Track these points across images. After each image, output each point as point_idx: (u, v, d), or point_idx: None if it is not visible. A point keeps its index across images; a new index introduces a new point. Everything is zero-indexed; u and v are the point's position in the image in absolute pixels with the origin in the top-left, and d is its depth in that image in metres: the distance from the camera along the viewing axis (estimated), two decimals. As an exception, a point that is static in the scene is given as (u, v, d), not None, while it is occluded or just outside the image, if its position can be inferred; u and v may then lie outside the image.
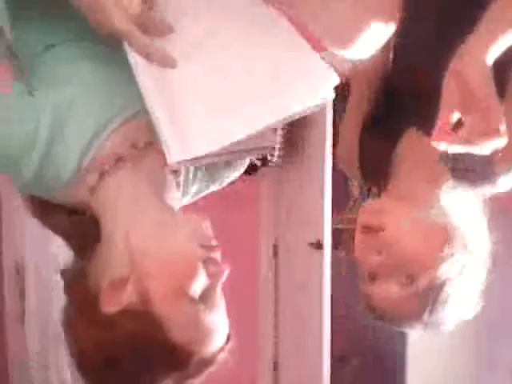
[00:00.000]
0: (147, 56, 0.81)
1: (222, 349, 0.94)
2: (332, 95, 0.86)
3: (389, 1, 0.89)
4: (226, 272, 0.87)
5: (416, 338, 2.56)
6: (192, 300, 0.85)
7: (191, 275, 0.84)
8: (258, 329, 2.95)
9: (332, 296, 2.59)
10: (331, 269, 2.58)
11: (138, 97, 0.85)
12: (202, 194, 1.08)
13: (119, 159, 0.88)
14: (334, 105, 2.54)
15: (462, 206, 1.04)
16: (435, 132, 0.89)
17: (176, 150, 0.80)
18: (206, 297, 0.86)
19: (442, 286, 1.01)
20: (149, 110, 0.82)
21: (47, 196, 0.94)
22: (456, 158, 1.01)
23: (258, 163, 2.80)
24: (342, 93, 1.23)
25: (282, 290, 2.95)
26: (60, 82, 0.89)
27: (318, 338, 2.62)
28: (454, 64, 0.88)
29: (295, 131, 2.71)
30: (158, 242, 0.85)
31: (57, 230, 0.96)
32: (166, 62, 0.82)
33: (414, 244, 1.01)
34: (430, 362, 2.63)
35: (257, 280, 2.96)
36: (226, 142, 0.80)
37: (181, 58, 0.83)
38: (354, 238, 1.07)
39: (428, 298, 1.00)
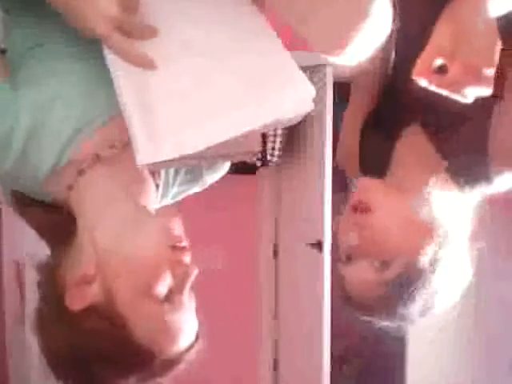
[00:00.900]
0: (125, 58, 0.82)
1: (189, 349, 0.91)
2: (309, 107, 0.85)
3: (376, 5, 0.88)
4: (195, 273, 0.87)
5: (416, 338, 2.56)
6: (157, 300, 0.84)
7: (156, 276, 0.84)
8: (257, 329, 2.95)
9: (332, 296, 2.59)
10: (331, 269, 2.58)
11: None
12: (183, 196, 1.08)
13: (97, 158, 0.89)
14: (334, 105, 2.55)
15: (452, 206, 1.04)
16: (416, 67, 0.86)
17: (144, 152, 0.79)
18: (172, 297, 0.86)
19: (417, 279, 1.00)
20: (122, 109, 0.82)
21: (26, 191, 0.94)
22: (452, 155, 1.02)
23: (258, 163, 2.80)
24: (343, 92, 1.23)
25: (282, 290, 2.95)
26: (42, 80, 0.89)
27: (318, 338, 2.62)
28: (450, 7, 0.85)
29: (295, 131, 2.72)
30: (125, 242, 0.86)
31: (33, 224, 0.97)
32: (145, 64, 0.83)
33: (397, 232, 1.00)
34: (430, 363, 2.63)
35: (257, 280, 2.97)
36: (196, 148, 0.80)
37: (161, 60, 0.83)
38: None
39: (401, 291, 1.00)
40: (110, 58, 0.83)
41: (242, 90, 0.84)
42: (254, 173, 2.82)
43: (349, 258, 1.03)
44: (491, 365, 2.63)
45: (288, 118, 0.85)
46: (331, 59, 0.89)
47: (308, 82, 0.85)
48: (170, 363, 0.89)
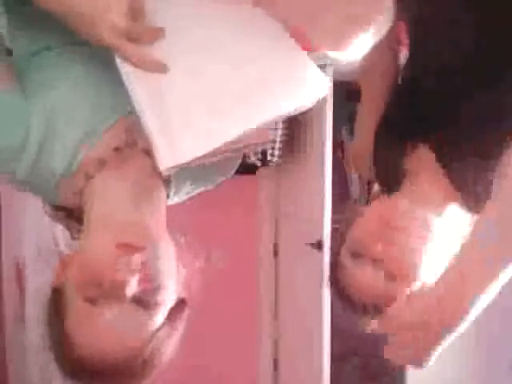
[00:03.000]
0: (136, 65, 0.83)
1: (133, 356, 0.87)
2: (324, 93, 0.86)
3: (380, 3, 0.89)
4: (131, 285, 0.84)
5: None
6: (87, 300, 0.84)
7: (91, 277, 0.83)
8: (257, 329, 2.95)
9: (332, 296, 2.59)
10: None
11: (127, 99, 0.86)
12: (191, 195, 1.08)
13: (103, 162, 0.89)
14: (335, 105, 2.55)
15: (453, 228, 1.05)
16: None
17: (165, 157, 0.81)
18: (102, 302, 0.85)
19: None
20: (139, 117, 0.83)
21: (42, 197, 0.95)
22: (465, 190, 1.02)
23: (258, 163, 2.80)
24: (344, 92, 1.23)
25: (282, 290, 2.95)
26: (51, 85, 0.89)
27: (318, 338, 2.61)
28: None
29: (295, 131, 2.72)
30: (91, 240, 0.87)
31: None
32: (156, 68, 0.84)
33: (413, 251, 1.02)
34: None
35: (257, 280, 2.96)
36: (214, 145, 0.81)
37: (170, 62, 0.84)
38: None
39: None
40: (122, 66, 0.84)
41: (253, 84, 0.85)
42: (253, 173, 2.82)
43: (356, 257, 1.03)
44: (491, 365, 2.63)
45: (303, 107, 0.85)
46: (335, 56, 0.90)
47: (320, 71, 0.87)
48: (116, 371, 0.86)
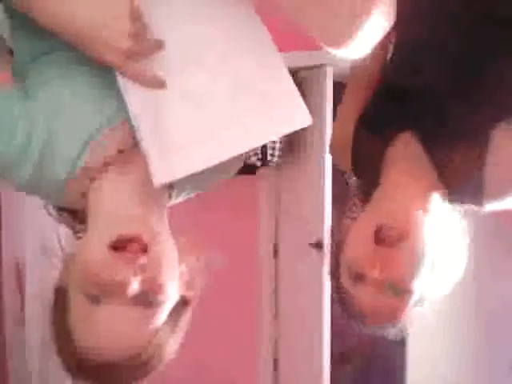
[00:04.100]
0: (136, 82, 0.84)
1: (132, 356, 0.87)
2: (307, 123, 0.91)
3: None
4: (131, 286, 0.83)
5: (416, 338, 2.56)
6: (88, 299, 0.84)
7: (89, 275, 0.84)
8: (257, 329, 2.95)
9: (332, 296, 2.59)
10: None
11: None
12: (193, 194, 1.09)
13: (106, 164, 0.89)
14: (335, 105, 2.55)
15: (441, 224, 1.03)
16: None
17: (159, 174, 0.83)
18: (101, 300, 0.84)
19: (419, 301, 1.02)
20: (135, 131, 0.85)
21: (45, 199, 0.95)
22: (447, 175, 1.01)
23: (258, 163, 2.80)
24: (343, 92, 1.23)
25: (282, 290, 2.95)
26: (53, 88, 0.89)
27: (318, 338, 2.62)
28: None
29: (295, 131, 2.71)
30: (89, 238, 0.88)
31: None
32: (155, 85, 0.85)
33: (420, 258, 0.99)
34: (430, 363, 2.63)
35: (257, 280, 2.97)
36: (207, 165, 0.84)
37: (167, 77, 0.86)
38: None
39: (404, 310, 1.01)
40: (121, 81, 0.85)
41: (247, 109, 0.87)
42: (253, 173, 2.83)
43: (361, 280, 1.00)
44: (491, 365, 2.63)
45: (285, 134, 0.91)
46: (335, 52, 0.90)
47: (304, 106, 0.90)
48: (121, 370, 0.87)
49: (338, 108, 1.22)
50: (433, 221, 1.00)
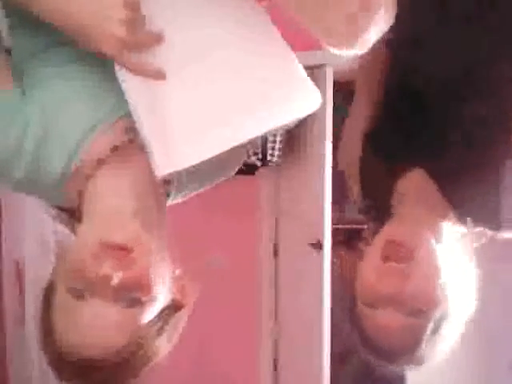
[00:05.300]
0: (135, 73, 0.83)
1: (117, 351, 0.85)
2: (317, 106, 0.87)
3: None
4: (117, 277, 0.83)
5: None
6: (72, 294, 0.84)
7: (76, 269, 0.83)
8: (257, 329, 2.95)
9: (332, 296, 2.59)
10: (331, 269, 2.58)
11: (125, 99, 0.86)
12: (192, 194, 1.08)
13: (101, 162, 0.89)
14: (335, 105, 2.55)
15: (453, 248, 1.03)
16: None
17: (162, 164, 0.82)
18: (92, 295, 0.84)
19: (442, 319, 0.99)
20: (136, 123, 0.84)
21: (42, 198, 0.94)
22: (461, 205, 1.00)
23: (258, 163, 2.80)
24: (343, 92, 1.22)
25: (282, 290, 2.95)
26: (49, 84, 0.89)
27: (317, 338, 2.62)
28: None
29: (295, 131, 2.71)
30: (80, 234, 0.88)
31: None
32: (155, 76, 0.84)
33: (435, 281, 0.97)
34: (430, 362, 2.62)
35: (257, 280, 2.96)
36: (211, 154, 0.82)
37: (168, 68, 0.84)
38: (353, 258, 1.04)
39: (430, 337, 0.98)
40: (120, 73, 0.84)
41: (250, 95, 0.85)
42: (253, 173, 2.82)
43: (375, 306, 0.98)
44: (491, 365, 2.63)
45: (294, 120, 0.87)
46: (339, 52, 0.89)
47: (314, 86, 0.87)
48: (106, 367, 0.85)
49: (346, 122, 1.20)
50: (444, 243, 0.99)
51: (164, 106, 0.84)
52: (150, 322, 0.87)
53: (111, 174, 0.89)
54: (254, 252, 2.99)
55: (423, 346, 0.98)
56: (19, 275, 2.60)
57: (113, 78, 0.87)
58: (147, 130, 0.83)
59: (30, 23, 0.89)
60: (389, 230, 1.01)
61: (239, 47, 0.88)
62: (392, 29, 0.92)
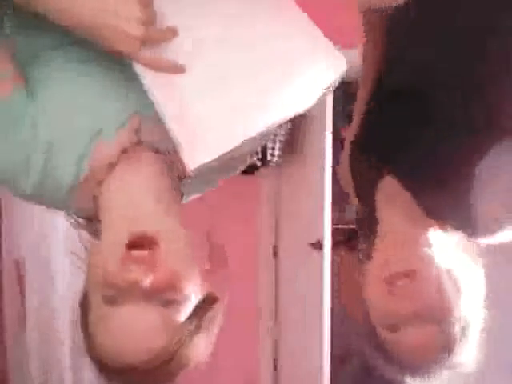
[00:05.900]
0: (154, 69, 0.82)
1: (154, 358, 0.85)
2: (342, 70, 0.86)
3: None
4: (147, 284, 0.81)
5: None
6: (105, 300, 0.83)
7: (104, 276, 0.83)
8: (257, 329, 2.95)
9: (332, 296, 2.59)
10: (331, 269, 2.58)
11: (134, 99, 0.86)
12: (194, 196, 1.08)
13: (111, 165, 0.88)
14: (335, 105, 2.56)
15: (450, 249, 1.02)
16: None
17: (192, 158, 0.81)
18: (118, 301, 0.83)
19: (465, 327, 1.00)
20: (162, 119, 0.83)
21: (54, 207, 0.94)
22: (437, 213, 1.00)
23: (258, 163, 2.80)
24: (344, 92, 1.22)
25: (281, 290, 2.95)
26: (55, 87, 0.88)
27: (317, 338, 2.62)
28: None
29: (295, 131, 2.72)
30: (104, 240, 0.87)
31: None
32: (174, 70, 0.83)
33: (440, 289, 0.98)
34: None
35: (257, 280, 2.97)
36: (237, 142, 0.82)
37: (187, 60, 0.84)
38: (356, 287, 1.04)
39: (454, 340, 0.99)
40: (140, 71, 0.84)
41: (272, 78, 0.85)
42: (253, 173, 2.83)
43: (396, 329, 0.98)
44: (491, 365, 2.63)
45: (324, 88, 0.86)
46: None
47: (339, 53, 0.86)
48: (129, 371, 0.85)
49: (346, 134, 1.20)
50: (440, 248, 0.99)
51: (187, 100, 0.83)
52: (186, 319, 0.87)
53: (124, 174, 0.89)
54: (254, 252, 2.99)
55: (455, 351, 0.98)
56: (19, 275, 2.61)
57: (118, 79, 0.86)
58: (173, 124, 0.82)
59: (34, 24, 0.88)
60: (384, 259, 1.01)
61: (261, 20, 0.87)
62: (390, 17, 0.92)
